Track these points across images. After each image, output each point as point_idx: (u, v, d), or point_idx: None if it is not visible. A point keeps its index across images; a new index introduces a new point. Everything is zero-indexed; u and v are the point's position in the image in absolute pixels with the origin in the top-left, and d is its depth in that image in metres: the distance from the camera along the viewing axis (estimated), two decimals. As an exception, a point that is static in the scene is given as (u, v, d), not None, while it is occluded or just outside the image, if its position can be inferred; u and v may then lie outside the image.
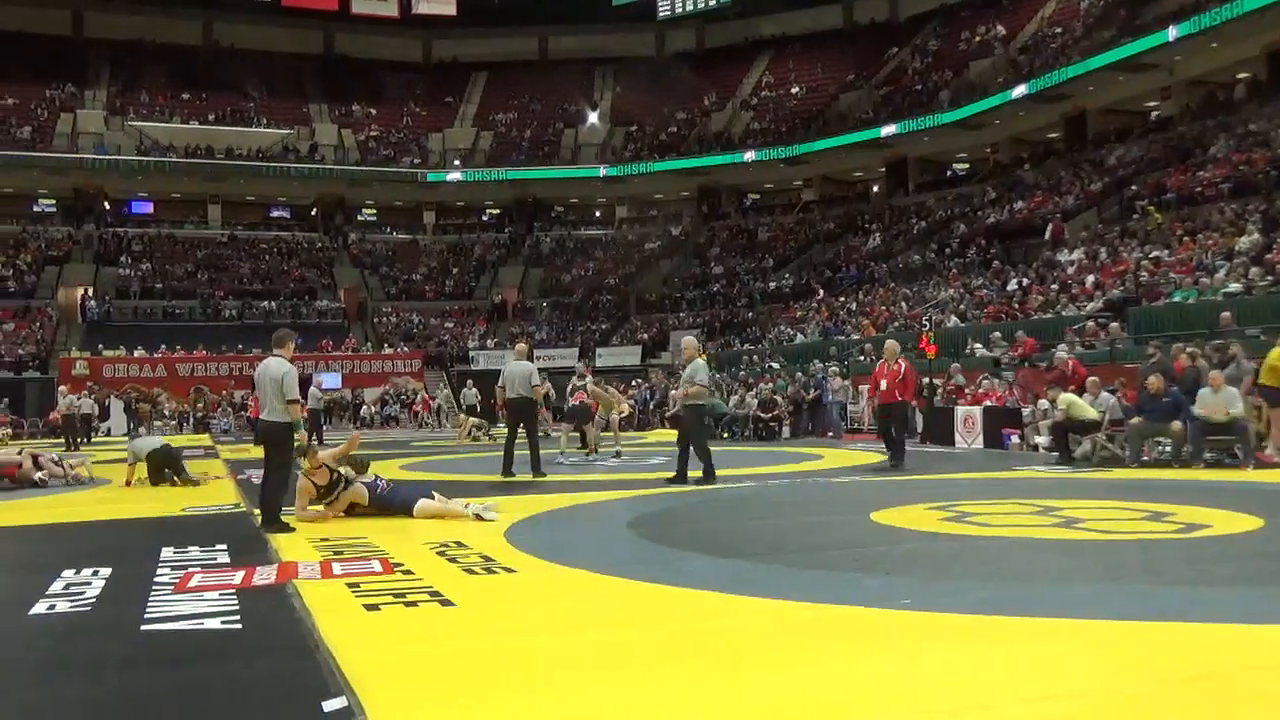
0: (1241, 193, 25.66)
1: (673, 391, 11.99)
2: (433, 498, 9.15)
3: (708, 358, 30.48)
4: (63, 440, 24.11)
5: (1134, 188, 30.04)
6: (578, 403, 18.32)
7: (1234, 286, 19.13)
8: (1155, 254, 23.37)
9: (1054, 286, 24.76)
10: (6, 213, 48.18)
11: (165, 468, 12.90)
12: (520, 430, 13.12)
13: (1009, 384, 18.24)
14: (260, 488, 8.97)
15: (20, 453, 13.83)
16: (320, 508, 9.10)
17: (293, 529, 8.30)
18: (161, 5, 51.19)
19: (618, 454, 16.64)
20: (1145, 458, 12.83)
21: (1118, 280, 22.57)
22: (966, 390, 19.10)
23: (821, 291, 37.80)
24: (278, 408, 8.53)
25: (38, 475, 13.10)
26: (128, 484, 12.99)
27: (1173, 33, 31.82)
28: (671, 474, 11.85)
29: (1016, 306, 24.98)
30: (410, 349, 41.44)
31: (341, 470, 9.19)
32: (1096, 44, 35.27)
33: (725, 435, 22.64)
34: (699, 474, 11.61)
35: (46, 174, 46.46)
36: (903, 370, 14.05)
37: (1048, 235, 29.32)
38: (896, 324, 28.94)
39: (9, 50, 48.24)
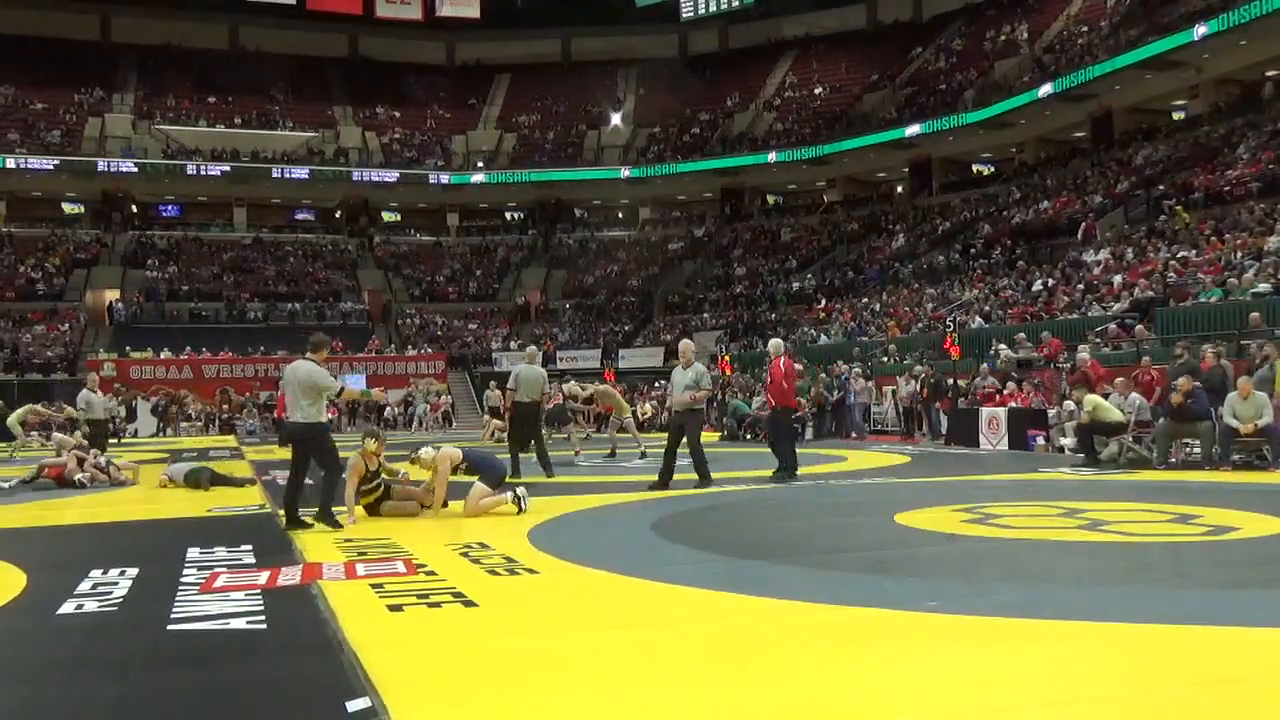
0: (1270, 192, 25.40)
1: (682, 395, 11.77)
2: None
3: (732, 359, 30.62)
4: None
5: (1161, 187, 29.80)
6: (553, 405, 18.48)
7: (1263, 286, 18.93)
8: (1183, 254, 23.16)
9: (1080, 287, 24.60)
10: (35, 216, 48.79)
11: (199, 483, 12.91)
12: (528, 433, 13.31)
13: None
14: (285, 487, 9.03)
15: (66, 452, 13.97)
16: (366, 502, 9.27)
17: (341, 525, 8.43)
18: (188, 10, 51.60)
19: (643, 454, 16.76)
20: (1173, 459, 12.73)
21: (1145, 280, 22.38)
22: (999, 393, 18.97)
23: (823, 300, 37.74)
24: (306, 409, 8.60)
25: (78, 476, 13.22)
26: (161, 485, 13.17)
27: (1200, 30, 31.55)
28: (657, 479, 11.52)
29: (1042, 307, 24.82)
30: (434, 350, 41.59)
31: (385, 467, 9.44)
32: (1123, 42, 35.01)
33: (749, 437, 22.61)
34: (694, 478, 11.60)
35: (75, 177, 46.96)
36: (773, 374, 12.76)
37: (1080, 235, 29.12)
38: (920, 325, 28.84)
39: (39, 55, 48.90)
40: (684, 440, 11.62)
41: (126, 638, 4.91)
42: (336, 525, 8.43)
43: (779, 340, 13.63)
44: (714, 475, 11.91)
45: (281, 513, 8.85)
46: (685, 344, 12.80)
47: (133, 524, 9.64)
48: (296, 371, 8.71)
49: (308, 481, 9.10)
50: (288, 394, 8.91)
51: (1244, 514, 8.23)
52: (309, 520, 8.54)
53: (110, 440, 23.94)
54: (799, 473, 12.45)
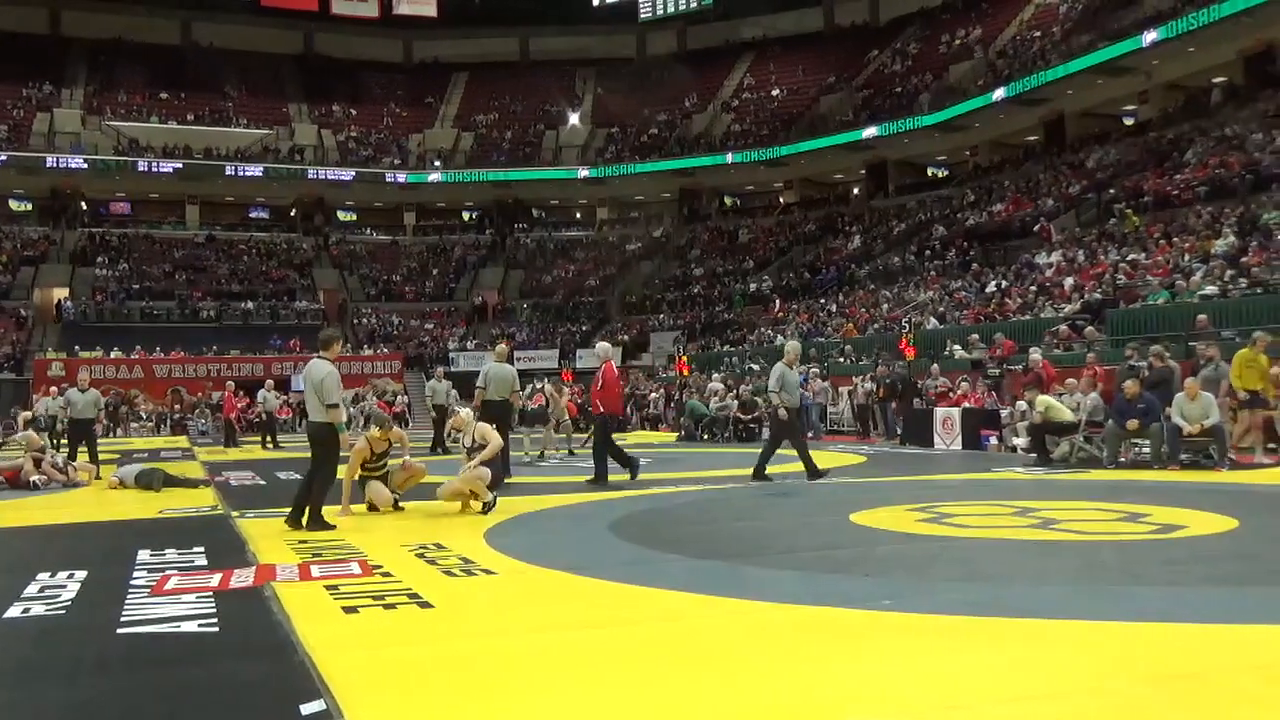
0: (1217, 196, 25.84)
1: (779, 395, 11.95)
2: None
3: (689, 359, 30.71)
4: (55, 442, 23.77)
5: (1112, 190, 30.24)
6: (537, 406, 18.50)
7: (1210, 289, 19.26)
8: (1132, 257, 23.52)
9: (1032, 288, 24.91)
10: (-19, 213, 47.86)
11: (150, 485, 12.72)
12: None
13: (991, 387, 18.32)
14: (301, 486, 8.88)
15: (24, 454, 13.68)
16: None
17: (334, 526, 8.31)
18: (139, 4, 50.86)
19: (571, 452, 16.91)
20: (1122, 459, 12.92)
21: (1095, 283, 22.71)
22: (951, 393, 19.16)
23: (778, 302, 37.95)
24: (319, 409, 8.56)
25: (33, 478, 12.98)
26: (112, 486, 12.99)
27: (1149, 37, 32.08)
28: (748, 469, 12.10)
29: (995, 308, 25.10)
30: (390, 350, 41.30)
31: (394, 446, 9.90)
32: (1075, 48, 35.49)
33: (705, 437, 22.68)
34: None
35: (22, 173, 46.05)
36: (601, 378, 12.35)
37: (1037, 230, 29.50)
38: (876, 325, 29.06)
39: (-15, 49, 47.91)
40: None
41: (75, 641, 4.83)
42: (328, 526, 8.31)
43: (606, 344, 13.32)
44: (672, 475, 11.98)
45: (235, 513, 8.75)
46: (793, 345, 12.92)
47: (82, 526, 9.48)
48: (311, 372, 8.68)
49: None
50: (305, 393, 8.90)
51: (1191, 512, 8.37)
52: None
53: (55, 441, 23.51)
54: (610, 481, 11.88)
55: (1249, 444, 13.36)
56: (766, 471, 11.84)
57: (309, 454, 8.78)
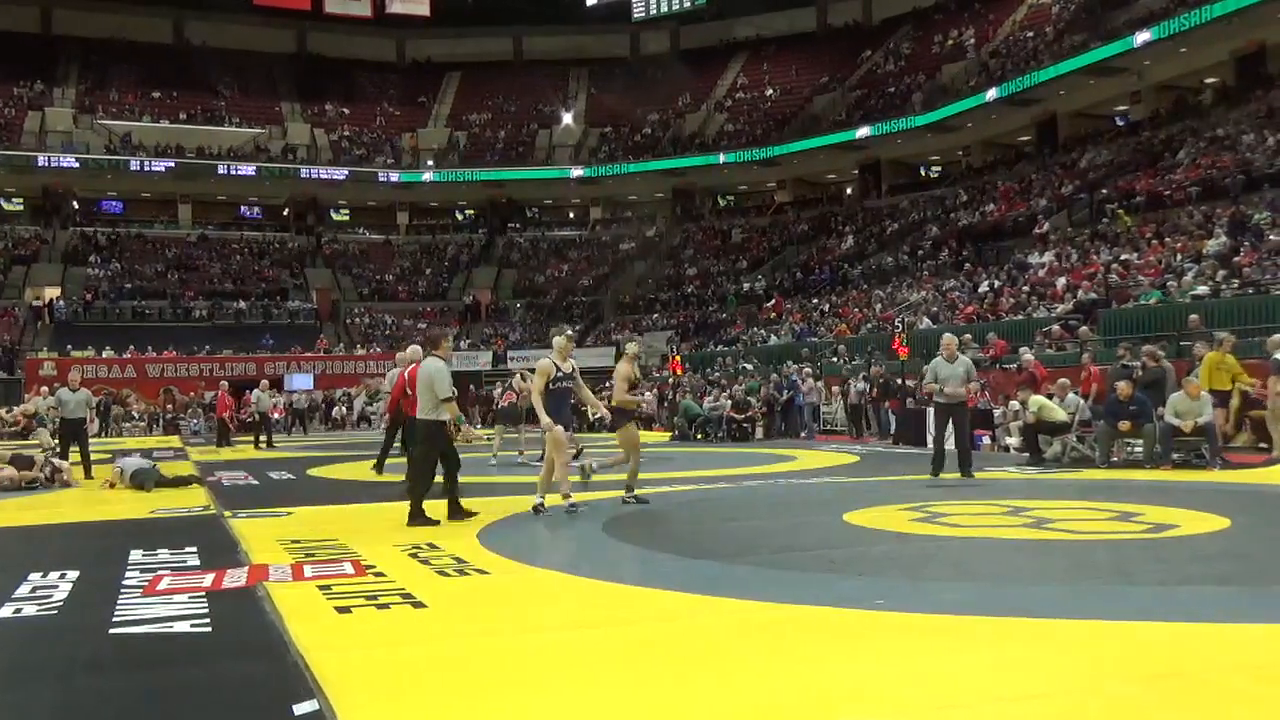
0: (1209, 196, 25.93)
1: (959, 387, 11.85)
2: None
3: (682, 359, 30.68)
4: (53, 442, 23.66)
5: (1104, 191, 30.31)
6: (507, 404, 18.19)
7: (1201, 289, 19.31)
8: (1125, 257, 23.58)
9: (1025, 288, 24.96)
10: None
11: (142, 485, 12.68)
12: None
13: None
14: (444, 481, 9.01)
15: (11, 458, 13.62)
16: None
17: (436, 521, 8.43)
18: (132, 3, 50.70)
19: (578, 455, 16.54)
20: (1115, 458, 12.94)
21: (1088, 282, 22.75)
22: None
23: (773, 300, 37.99)
24: (425, 406, 8.77)
25: (23, 479, 12.93)
26: (110, 485, 12.95)
27: (1141, 38, 32.17)
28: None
29: (988, 308, 25.14)
30: (383, 350, 41.23)
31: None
32: (1067, 48, 35.58)
33: (699, 436, 22.68)
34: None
35: (13, 172, 45.91)
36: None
37: (1036, 231, 29.59)
38: (869, 325, 29.08)
39: (-25, 47, 47.74)
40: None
41: (68, 642, 4.81)
42: (469, 515, 8.58)
43: (415, 347, 12.72)
44: (665, 475, 11.96)
45: (228, 513, 8.72)
46: (950, 338, 12.84)
47: (74, 526, 9.44)
48: (422, 370, 8.95)
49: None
50: (419, 392, 9.06)
51: (1183, 512, 8.38)
52: (436, 518, 8.54)
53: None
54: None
55: (1242, 442, 13.40)
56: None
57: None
